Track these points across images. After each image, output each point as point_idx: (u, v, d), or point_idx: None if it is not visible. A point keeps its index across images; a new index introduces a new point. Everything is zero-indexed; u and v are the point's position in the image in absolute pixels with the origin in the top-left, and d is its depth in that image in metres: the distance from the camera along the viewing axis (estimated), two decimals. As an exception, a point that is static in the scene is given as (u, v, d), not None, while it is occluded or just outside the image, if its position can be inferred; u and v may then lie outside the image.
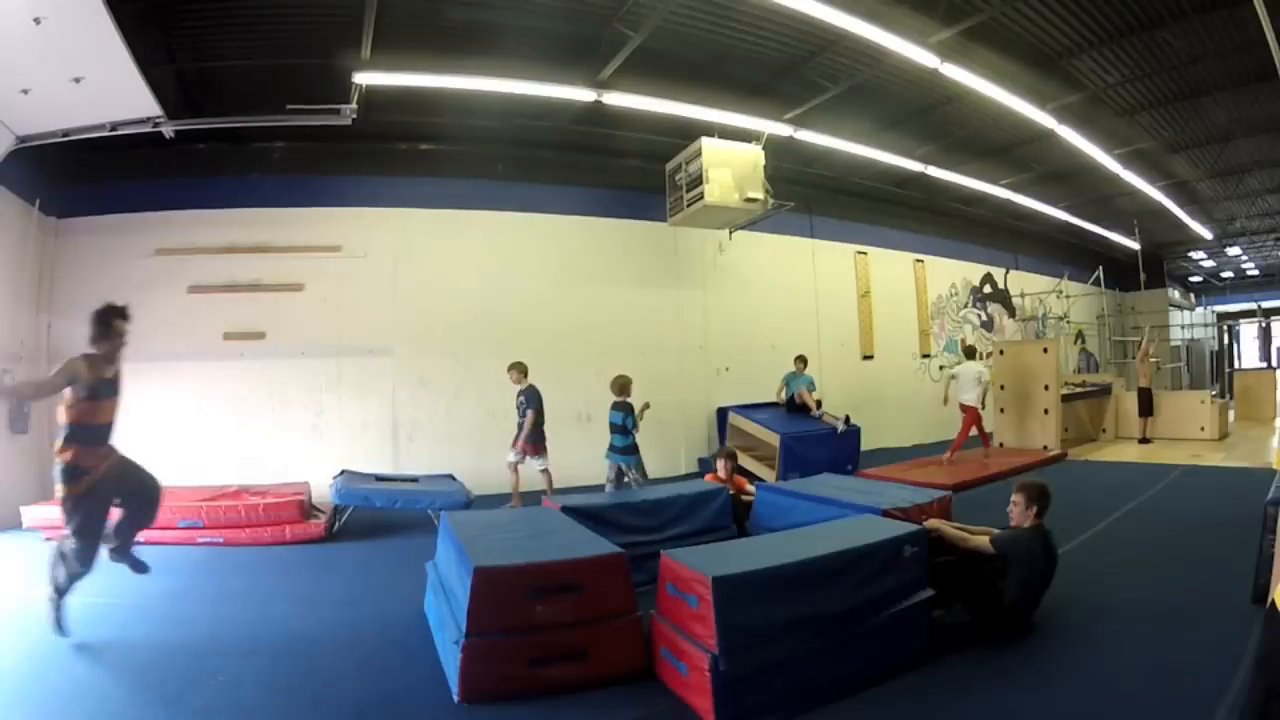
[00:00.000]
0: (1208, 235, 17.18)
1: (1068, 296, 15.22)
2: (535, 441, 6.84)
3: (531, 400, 6.82)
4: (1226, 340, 21.73)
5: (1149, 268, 16.24)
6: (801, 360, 9.44)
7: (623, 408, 6.63)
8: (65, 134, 6.12)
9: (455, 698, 2.90)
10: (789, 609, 2.90)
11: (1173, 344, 18.68)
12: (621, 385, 6.71)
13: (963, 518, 4.32)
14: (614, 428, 6.64)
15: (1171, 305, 19.98)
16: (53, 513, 5.78)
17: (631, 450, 6.59)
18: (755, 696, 2.78)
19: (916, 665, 3.17)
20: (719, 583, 2.77)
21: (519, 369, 6.98)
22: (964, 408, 8.88)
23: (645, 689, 3.02)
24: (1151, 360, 11.22)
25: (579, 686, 2.97)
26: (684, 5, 6.55)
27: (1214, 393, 12.66)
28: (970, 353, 9.76)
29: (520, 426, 6.81)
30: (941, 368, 13.45)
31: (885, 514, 4.05)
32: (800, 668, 2.89)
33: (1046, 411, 9.56)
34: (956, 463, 8.62)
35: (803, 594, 2.95)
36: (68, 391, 3.47)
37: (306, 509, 6.17)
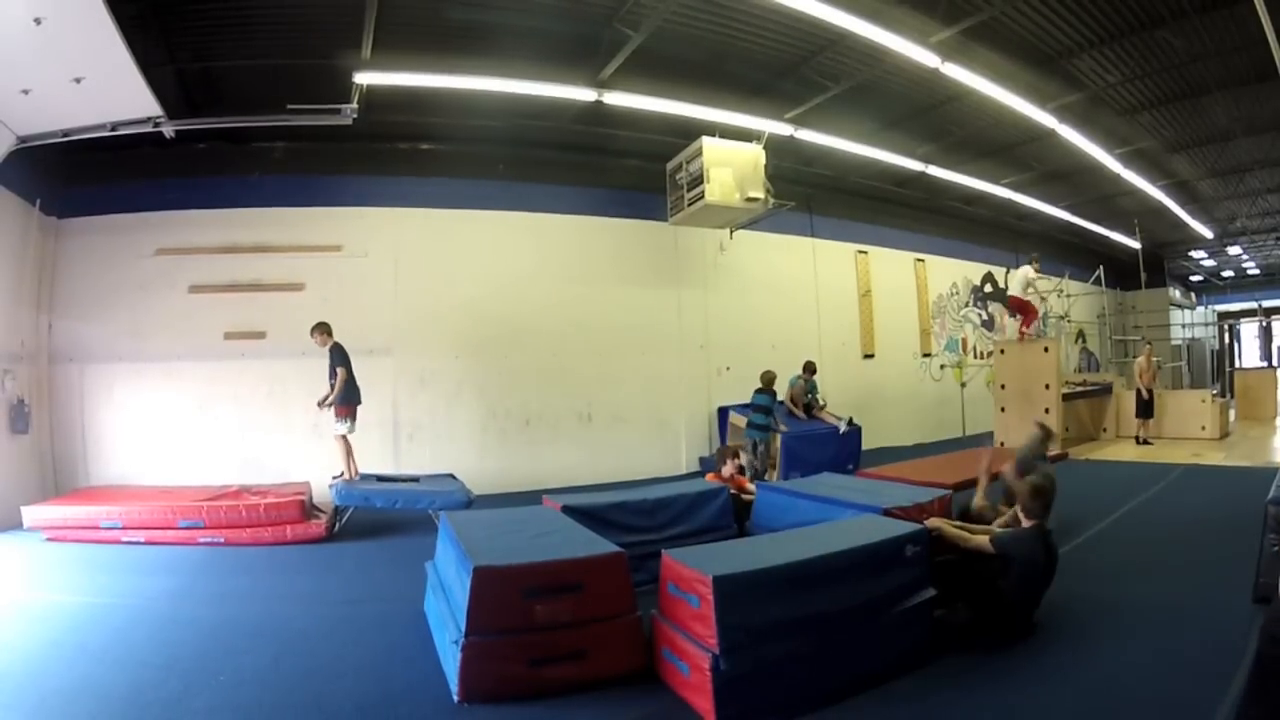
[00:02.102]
0: (1208, 234, 17.15)
1: (1068, 296, 15.20)
2: (347, 403, 6.46)
3: (337, 357, 6.44)
4: (1227, 339, 21.71)
5: (1150, 267, 16.23)
6: (808, 368, 9.34)
7: (771, 394, 8.05)
8: (66, 134, 6.12)
9: (455, 697, 2.90)
10: (790, 608, 2.89)
11: (1173, 343, 18.67)
12: (771, 379, 8.11)
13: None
14: (758, 408, 8.01)
15: (1172, 304, 19.96)
16: (53, 513, 5.84)
17: (767, 429, 7.94)
18: (756, 696, 2.78)
19: (918, 665, 3.17)
20: (720, 582, 2.77)
21: (322, 330, 6.48)
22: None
23: (645, 689, 3.02)
24: (1153, 361, 11.22)
25: (579, 686, 2.97)
26: (684, 5, 6.55)
27: (1215, 392, 12.66)
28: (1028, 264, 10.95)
29: (333, 388, 6.40)
30: (943, 366, 13.48)
31: (886, 513, 4.04)
32: (801, 667, 2.89)
33: (1047, 411, 9.55)
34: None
35: (804, 593, 2.94)
36: None
37: (307, 509, 6.17)
